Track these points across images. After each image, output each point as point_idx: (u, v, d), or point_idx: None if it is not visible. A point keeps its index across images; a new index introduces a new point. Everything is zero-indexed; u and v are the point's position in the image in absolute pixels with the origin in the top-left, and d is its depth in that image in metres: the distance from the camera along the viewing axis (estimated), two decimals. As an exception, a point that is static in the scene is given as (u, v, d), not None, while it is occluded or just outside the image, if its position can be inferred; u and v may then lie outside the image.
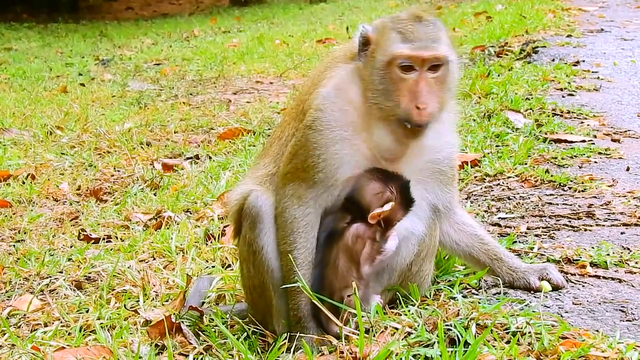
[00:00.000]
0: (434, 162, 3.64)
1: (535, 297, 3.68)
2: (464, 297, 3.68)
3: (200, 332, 3.82)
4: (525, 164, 5.93)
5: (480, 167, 5.99)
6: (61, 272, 4.89)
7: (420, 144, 3.54)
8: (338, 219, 3.50)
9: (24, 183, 7.00)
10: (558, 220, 4.84)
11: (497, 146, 6.47)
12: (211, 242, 5.09)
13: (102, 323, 4.02)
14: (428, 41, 3.36)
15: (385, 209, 3.44)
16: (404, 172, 3.53)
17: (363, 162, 3.50)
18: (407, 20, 3.42)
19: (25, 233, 5.77)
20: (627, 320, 3.46)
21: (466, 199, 5.40)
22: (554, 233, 4.64)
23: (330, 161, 3.47)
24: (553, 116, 7.18)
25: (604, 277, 3.95)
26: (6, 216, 6.19)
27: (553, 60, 9.98)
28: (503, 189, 5.55)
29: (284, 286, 3.53)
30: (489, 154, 6.23)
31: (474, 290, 3.87)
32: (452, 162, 3.72)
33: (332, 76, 3.59)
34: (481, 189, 5.58)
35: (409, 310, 3.51)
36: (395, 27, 3.41)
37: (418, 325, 3.32)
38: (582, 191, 5.30)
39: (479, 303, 3.49)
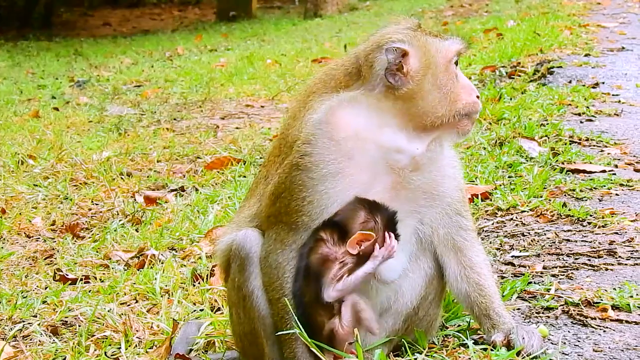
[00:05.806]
0: (438, 193, 3.71)
1: (552, 343, 3.72)
2: (475, 343, 3.72)
3: (188, 383, 3.86)
4: (541, 196, 5.97)
5: (491, 200, 6.04)
6: (35, 316, 4.90)
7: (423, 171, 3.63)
8: (309, 250, 3.52)
9: (-7, 218, 7.04)
10: (577, 259, 4.89)
11: (509, 177, 6.52)
12: (199, 283, 5.12)
13: (80, 373, 4.05)
14: (451, 37, 3.67)
15: (367, 236, 3.46)
16: (406, 200, 3.60)
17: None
18: (419, 26, 3.66)
19: (-5, 273, 5.80)
20: (652, 369, 3.51)
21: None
22: (572, 273, 4.68)
23: (318, 202, 3.52)
24: (570, 144, 7.22)
25: (627, 322, 3.99)
26: (-26, 254, 6.22)
27: (570, 81, 10.06)
28: (517, 225, 5.60)
29: (278, 333, 3.57)
30: (501, 185, 6.28)
31: (485, 336, 3.90)
32: (456, 194, 3.77)
33: (321, 104, 3.60)
34: (492, 224, 5.63)
35: (415, 359, 3.55)
36: (426, 33, 3.64)
37: (425, 375, 3.37)
38: (603, 227, 5.34)
39: (492, 350, 3.53)
